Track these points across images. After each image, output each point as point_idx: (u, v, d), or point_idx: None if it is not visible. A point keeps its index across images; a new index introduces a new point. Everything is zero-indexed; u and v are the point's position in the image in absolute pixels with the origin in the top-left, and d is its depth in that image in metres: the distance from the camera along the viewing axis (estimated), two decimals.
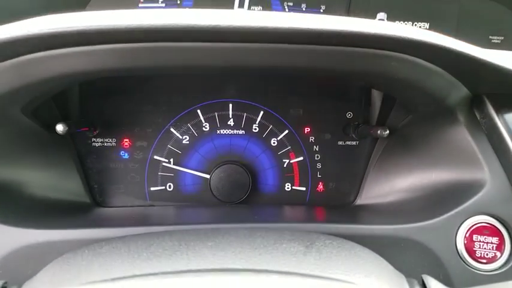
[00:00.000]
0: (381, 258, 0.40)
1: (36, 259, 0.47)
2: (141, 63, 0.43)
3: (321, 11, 0.78)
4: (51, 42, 0.40)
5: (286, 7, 0.80)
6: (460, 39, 0.48)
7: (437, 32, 0.47)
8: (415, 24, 0.82)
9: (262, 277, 0.34)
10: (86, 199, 0.62)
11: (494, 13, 0.86)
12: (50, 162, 0.58)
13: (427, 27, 0.82)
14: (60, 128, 0.52)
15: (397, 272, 0.39)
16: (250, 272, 0.35)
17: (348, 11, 0.79)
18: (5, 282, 0.35)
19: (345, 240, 0.42)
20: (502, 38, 0.87)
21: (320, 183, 0.69)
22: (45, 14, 0.42)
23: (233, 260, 0.37)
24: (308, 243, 0.41)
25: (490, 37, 0.86)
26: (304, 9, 0.79)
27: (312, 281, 0.34)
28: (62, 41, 0.40)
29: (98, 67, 0.43)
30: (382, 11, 0.59)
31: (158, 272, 0.34)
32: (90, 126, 0.62)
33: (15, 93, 0.46)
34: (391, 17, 0.81)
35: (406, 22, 0.82)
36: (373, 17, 0.61)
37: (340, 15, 0.49)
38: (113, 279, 0.33)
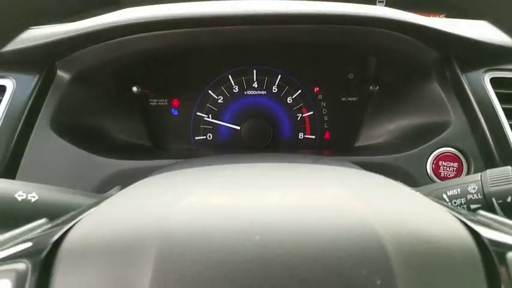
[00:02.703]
0: None
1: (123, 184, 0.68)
2: (205, 41, 0.64)
3: None
4: (140, 28, 0.61)
5: None
6: None
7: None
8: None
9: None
10: (149, 143, 0.84)
11: None
12: (124, 115, 0.80)
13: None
14: (135, 89, 0.73)
15: None
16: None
17: None
18: (48, 221, 0.37)
19: None
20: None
21: (326, 132, 0.89)
22: (83, 10, 0.63)
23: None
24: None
25: None
26: None
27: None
28: (148, 27, 0.60)
29: (171, 45, 0.63)
30: None
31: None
32: (149, 89, 0.83)
33: (106, 64, 0.67)
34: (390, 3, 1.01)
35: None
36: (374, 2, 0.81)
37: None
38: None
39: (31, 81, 0.64)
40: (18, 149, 0.62)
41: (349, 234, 0.28)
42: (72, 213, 0.35)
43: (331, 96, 0.88)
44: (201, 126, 0.88)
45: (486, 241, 0.31)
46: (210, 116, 0.88)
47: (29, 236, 0.32)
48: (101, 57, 0.65)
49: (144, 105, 0.86)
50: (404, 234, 0.29)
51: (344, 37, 0.67)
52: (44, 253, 0.30)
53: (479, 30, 0.73)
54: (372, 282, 0.26)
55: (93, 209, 0.34)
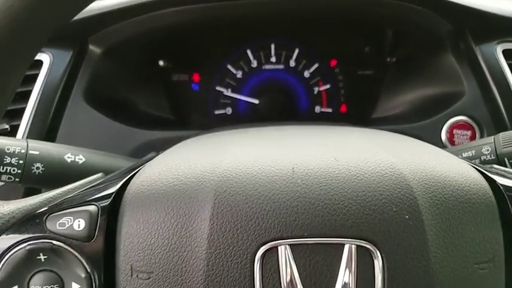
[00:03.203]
0: None
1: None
2: (226, 15, 0.67)
3: None
4: (168, 3, 0.64)
5: None
6: None
7: None
8: None
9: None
10: (172, 117, 0.88)
11: None
12: (149, 89, 0.84)
13: None
14: (161, 63, 0.77)
15: None
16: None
17: None
18: (104, 175, 0.41)
19: None
20: None
21: (343, 104, 0.93)
22: None
23: None
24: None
25: None
26: None
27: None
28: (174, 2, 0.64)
29: (194, 20, 0.67)
30: None
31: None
32: (173, 64, 0.87)
33: (134, 39, 0.71)
34: None
35: None
36: None
37: None
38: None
39: (66, 56, 0.68)
40: (56, 120, 0.67)
41: (381, 178, 0.32)
42: (126, 168, 0.40)
43: (347, 70, 0.91)
44: (221, 100, 0.92)
45: (501, 187, 0.35)
46: (229, 90, 0.92)
47: (94, 184, 0.37)
48: (130, 32, 0.69)
49: (167, 80, 0.89)
50: (429, 178, 0.33)
51: (361, 9, 0.71)
52: (111, 198, 0.34)
53: (492, 2, 0.76)
54: (401, 217, 0.31)
55: (148, 162, 0.38)
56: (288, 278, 0.30)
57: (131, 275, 0.32)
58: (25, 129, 0.65)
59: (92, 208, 0.33)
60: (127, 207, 0.33)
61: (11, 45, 0.30)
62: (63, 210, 0.33)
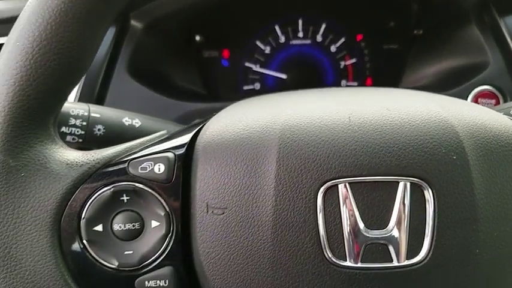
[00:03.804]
0: None
1: None
2: None
3: None
4: None
5: None
6: None
7: None
8: None
9: None
10: (204, 91, 0.92)
11: None
12: (184, 63, 0.88)
13: None
14: (198, 37, 0.81)
15: None
16: None
17: None
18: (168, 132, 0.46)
19: None
20: None
21: (368, 78, 0.96)
22: None
23: None
24: None
25: None
26: None
27: None
28: None
29: None
30: None
31: None
32: (207, 39, 0.91)
33: (173, 14, 0.75)
34: None
35: None
36: None
37: None
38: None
39: (110, 31, 0.72)
40: (102, 92, 0.71)
41: (430, 125, 0.36)
42: (190, 124, 0.44)
43: (373, 44, 0.94)
44: (249, 76, 0.96)
45: None
46: (257, 66, 0.95)
47: (164, 137, 0.41)
48: (169, 7, 0.73)
49: (198, 56, 0.93)
50: (472, 125, 0.37)
51: None
52: (185, 146, 0.38)
53: None
54: (450, 157, 0.34)
55: (211, 118, 0.42)
56: (348, 212, 0.34)
57: (207, 211, 0.36)
58: (74, 100, 0.69)
59: (169, 154, 0.38)
60: (200, 153, 0.37)
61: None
62: (144, 156, 0.37)
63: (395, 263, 0.34)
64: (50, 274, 0.36)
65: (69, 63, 0.35)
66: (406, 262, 0.34)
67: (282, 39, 0.95)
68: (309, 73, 0.94)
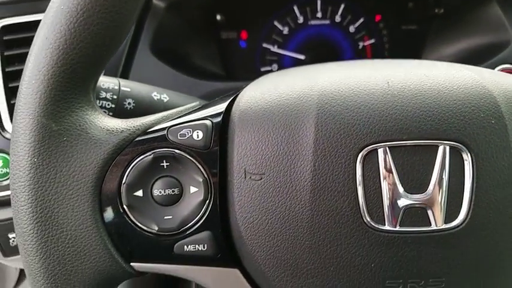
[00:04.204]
0: None
1: None
2: None
3: None
4: None
5: None
6: None
7: None
8: None
9: None
10: (223, 73, 0.92)
11: None
12: (204, 44, 0.88)
13: None
14: (218, 17, 0.81)
15: None
16: None
17: None
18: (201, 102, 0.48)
19: None
20: None
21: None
22: None
23: None
24: None
25: None
26: None
27: None
28: None
29: None
30: None
31: None
32: (226, 19, 0.91)
33: None
34: None
35: None
36: None
37: None
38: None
39: None
40: (125, 70, 0.72)
41: (468, 90, 0.36)
42: (224, 94, 0.44)
43: (392, 25, 0.94)
44: (267, 57, 0.96)
45: None
46: (275, 46, 0.95)
47: (199, 107, 0.41)
48: None
49: (217, 37, 0.93)
50: (508, 90, 0.37)
51: None
52: (222, 114, 0.39)
53: None
54: (488, 121, 0.35)
55: (246, 87, 0.42)
56: (387, 176, 0.34)
57: (244, 177, 0.37)
58: None
59: (207, 122, 0.38)
60: (237, 121, 0.38)
61: None
62: (182, 123, 0.38)
63: (433, 227, 0.34)
64: (90, 239, 0.37)
65: (111, 28, 0.36)
66: (445, 226, 0.34)
67: (301, 19, 0.94)
68: (328, 54, 0.94)
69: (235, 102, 0.40)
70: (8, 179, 0.66)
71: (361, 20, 0.94)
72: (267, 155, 0.36)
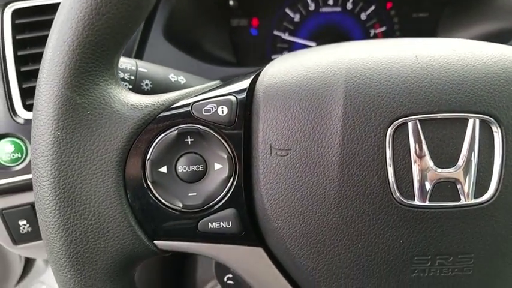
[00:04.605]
0: None
1: None
2: None
3: None
4: None
5: None
6: None
7: None
8: None
9: None
10: (234, 60, 0.92)
11: None
12: (215, 31, 0.87)
13: None
14: (231, 2, 0.81)
15: None
16: None
17: None
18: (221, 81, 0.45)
19: None
20: None
21: None
22: None
23: None
24: None
25: None
26: None
27: None
28: None
29: None
30: None
31: None
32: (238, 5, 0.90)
33: None
34: None
35: None
36: None
37: None
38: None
39: None
40: (139, 54, 0.71)
41: (497, 63, 0.36)
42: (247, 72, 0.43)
43: (403, 12, 0.93)
44: (278, 45, 0.95)
45: None
46: (286, 34, 0.94)
47: (222, 84, 0.41)
48: None
49: (228, 24, 0.93)
50: None
51: None
52: (246, 90, 0.38)
53: None
54: None
55: (269, 64, 0.42)
56: (417, 149, 0.34)
57: (270, 153, 0.36)
58: None
59: (231, 97, 0.37)
60: (262, 96, 0.37)
61: None
62: (207, 99, 0.37)
63: (463, 202, 0.34)
64: (113, 215, 0.37)
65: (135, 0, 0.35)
66: (474, 201, 0.34)
67: (312, 6, 0.94)
68: (338, 41, 0.92)
69: (259, 78, 0.39)
70: (19, 164, 0.66)
71: (373, 7, 0.93)
72: (294, 129, 0.36)
